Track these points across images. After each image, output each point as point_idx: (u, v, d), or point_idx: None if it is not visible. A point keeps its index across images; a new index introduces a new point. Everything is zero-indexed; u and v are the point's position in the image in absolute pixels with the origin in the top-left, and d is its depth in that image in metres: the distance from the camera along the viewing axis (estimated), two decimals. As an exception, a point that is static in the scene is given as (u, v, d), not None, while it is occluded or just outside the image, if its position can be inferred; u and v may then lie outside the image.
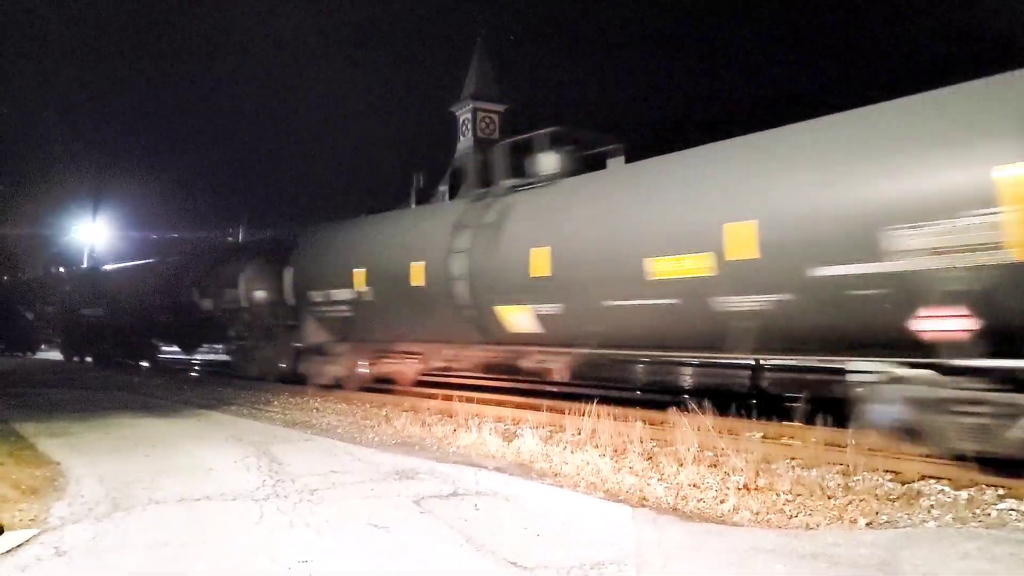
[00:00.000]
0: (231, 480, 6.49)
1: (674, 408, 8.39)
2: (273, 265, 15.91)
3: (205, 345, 23.85)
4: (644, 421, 8.79)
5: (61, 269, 35.23)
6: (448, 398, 11.13)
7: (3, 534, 4.87)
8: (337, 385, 13.85)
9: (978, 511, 5.44)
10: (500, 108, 43.15)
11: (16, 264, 38.31)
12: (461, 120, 43.64)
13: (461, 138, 43.58)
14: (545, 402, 10.44)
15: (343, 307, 13.17)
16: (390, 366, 13.80)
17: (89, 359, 26.59)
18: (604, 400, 9.21)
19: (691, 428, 7.60)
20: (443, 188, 42.44)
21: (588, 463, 6.97)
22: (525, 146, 10.93)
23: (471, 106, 42.63)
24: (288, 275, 15.04)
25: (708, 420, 7.74)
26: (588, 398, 8.99)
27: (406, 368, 13.88)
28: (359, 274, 12.70)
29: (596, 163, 10.36)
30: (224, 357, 22.08)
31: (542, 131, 10.66)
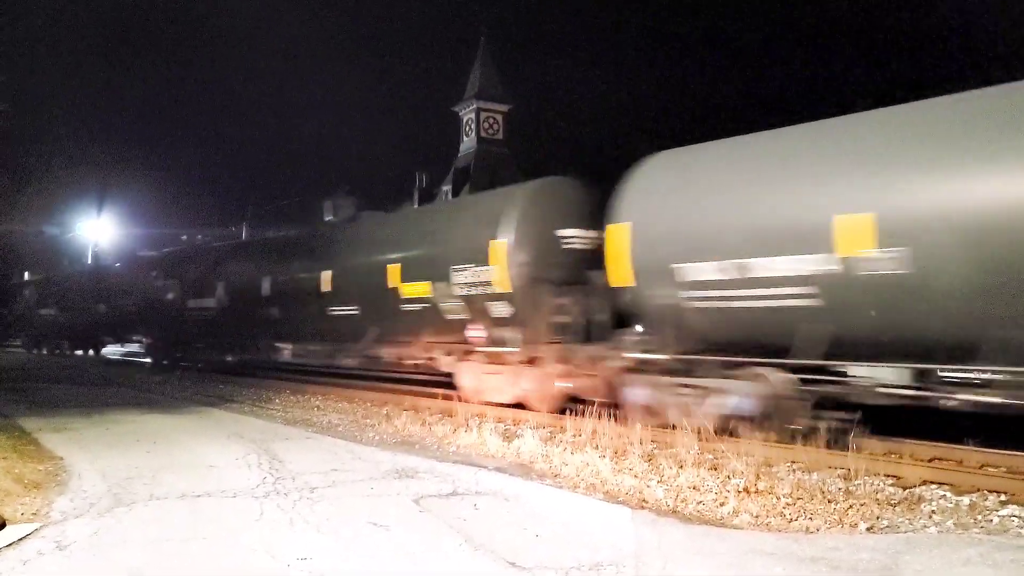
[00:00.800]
0: (232, 477, 6.50)
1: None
2: (567, 221, 10.30)
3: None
4: (644, 423, 8.78)
5: (141, 253, 30.13)
6: (448, 398, 11.11)
7: (5, 528, 4.88)
8: (726, 430, 7.96)
9: (980, 517, 5.43)
10: (504, 108, 43.18)
11: (22, 261, 38.11)
12: (465, 120, 43.65)
13: (464, 138, 43.59)
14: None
15: (792, 291, 7.23)
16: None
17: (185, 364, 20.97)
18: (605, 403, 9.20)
19: (692, 430, 7.59)
20: (446, 188, 42.48)
21: (588, 464, 6.97)
22: None
23: (475, 106, 42.64)
24: (621, 238, 8.86)
25: (709, 423, 7.72)
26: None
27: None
28: (854, 224, 6.73)
29: None
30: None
31: None
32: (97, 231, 42.13)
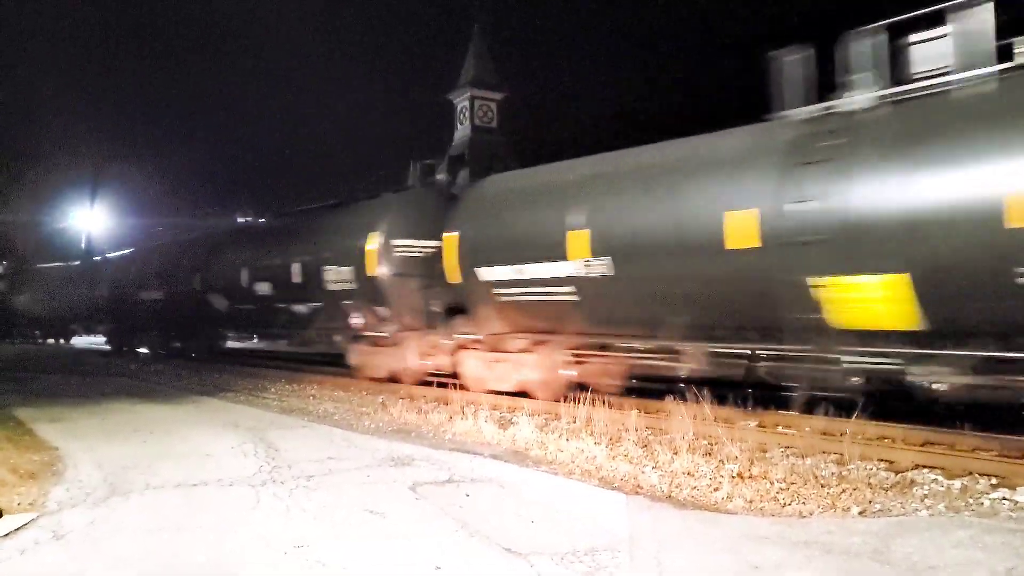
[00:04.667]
0: (228, 466, 6.51)
1: (671, 397, 8.43)
2: (430, 226, 11.89)
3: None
4: (640, 409, 8.83)
5: (102, 250, 28.85)
6: (443, 385, 11.15)
7: (2, 518, 4.89)
8: (521, 393, 10.40)
9: (971, 500, 5.49)
10: (498, 96, 42.90)
11: (14, 251, 37.83)
12: (459, 108, 43.42)
13: (459, 126, 43.38)
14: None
15: (557, 289, 9.50)
16: (594, 367, 10.16)
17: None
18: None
19: (687, 417, 7.63)
20: (440, 177, 42.30)
21: (583, 451, 7.00)
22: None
23: (469, 94, 42.33)
24: (451, 244, 11.18)
25: (705, 409, 7.77)
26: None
27: (614, 368, 10.16)
28: (578, 238, 9.01)
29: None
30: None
31: None
32: (90, 221, 41.87)
